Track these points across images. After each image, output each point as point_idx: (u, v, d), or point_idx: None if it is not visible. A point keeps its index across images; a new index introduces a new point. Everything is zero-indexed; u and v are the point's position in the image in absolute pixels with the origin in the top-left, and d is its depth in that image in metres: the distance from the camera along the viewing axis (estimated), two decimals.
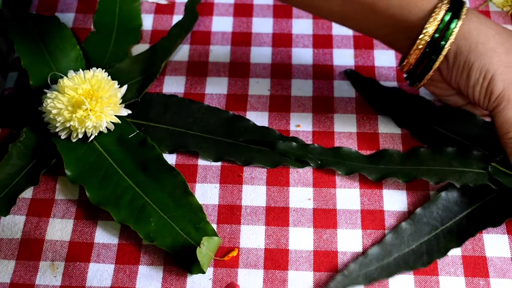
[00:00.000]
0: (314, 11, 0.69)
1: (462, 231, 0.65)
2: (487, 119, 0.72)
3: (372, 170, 0.69)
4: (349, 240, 0.67)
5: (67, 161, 0.69)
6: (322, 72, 0.79)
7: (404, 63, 0.67)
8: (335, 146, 0.73)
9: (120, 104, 0.72)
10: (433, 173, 0.68)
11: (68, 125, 0.69)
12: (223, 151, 0.72)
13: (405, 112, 0.74)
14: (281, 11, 0.84)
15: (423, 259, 0.64)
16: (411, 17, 0.64)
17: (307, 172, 0.71)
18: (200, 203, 0.68)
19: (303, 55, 0.80)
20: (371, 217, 0.68)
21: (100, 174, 0.68)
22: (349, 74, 0.78)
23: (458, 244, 0.65)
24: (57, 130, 0.70)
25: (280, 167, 0.71)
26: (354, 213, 0.68)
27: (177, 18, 0.84)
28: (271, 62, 0.80)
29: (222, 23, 0.84)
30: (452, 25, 0.63)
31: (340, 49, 0.81)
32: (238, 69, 0.79)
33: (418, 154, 0.69)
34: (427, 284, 0.64)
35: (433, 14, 0.63)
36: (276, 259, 0.66)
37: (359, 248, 0.66)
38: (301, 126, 0.74)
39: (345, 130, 0.74)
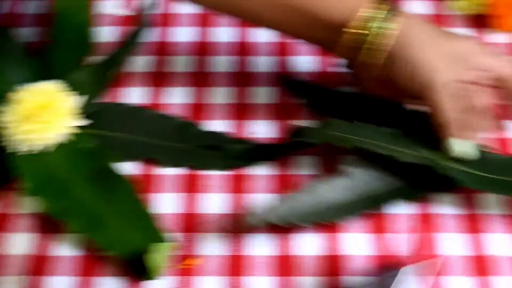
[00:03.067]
0: (244, 18, 0.72)
1: (386, 197, 0.68)
2: None
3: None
4: (310, 244, 0.67)
5: (23, 174, 0.69)
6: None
7: (347, 60, 0.70)
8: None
9: (75, 115, 0.72)
10: (376, 145, 0.68)
11: (23, 138, 0.69)
12: (178, 157, 0.72)
13: (343, 109, 0.75)
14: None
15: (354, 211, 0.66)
16: (337, 16, 0.67)
17: (267, 178, 0.71)
18: (160, 212, 0.68)
19: (264, 62, 0.81)
20: None
21: (56, 186, 0.69)
22: (282, 79, 0.79)
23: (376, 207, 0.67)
24: (12, 143, 0.70)
25: (240, 173, 0.72)
26: None
27: None
28: (232, 71, 0.80)
29: (183, 33, 0.84)
30: (377, 19, 0.66)
31: (302, 56, 0.81)
32: (199, 78, 0.80)
33: (363, 127, 0.69)
34: None
35: (359, 12, 0.66)
36: (238, 266, 0.66)
37: (318, 252, 0.66)
38: (260, 133, 0.75)
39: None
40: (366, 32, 0.66)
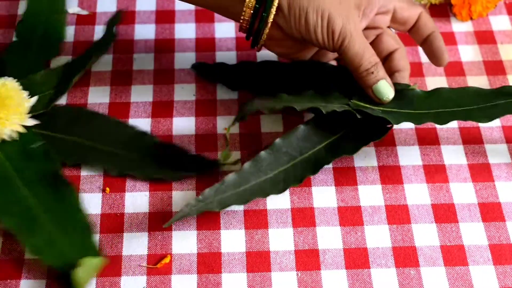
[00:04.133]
0: None
1: (319, 160, 0.68)
2: (333, 63, 0.75)
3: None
4: (281, 239, 0.67)
5: None
6: None
7: (241, 21, 0.68)
8: (263, 146, 0.73)
9: (28, 113, 0.71)
10: (297, 103, 0.68)
11: None
12: (126, 166, 0.72)
13: (259, 80, 0.76)
14: (203, 16, 0.84)
15: (279, 187, 0.66)
16: None
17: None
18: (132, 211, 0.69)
19: (226, 58, 0.80)
20: (301, 215, 0.68)
21: None
22: (197, 67, 0.79)
23: (314, 172, 0.67)
24: None
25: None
26: (285, 212, 0.69)
27: (98, 28, 0.83)
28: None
29: (144, 31, 0.83)
30: None
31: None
32: (163, 75, 0.79)
33: (280, 97, 0.70)
34: (359, 278, 0.64)
35: None
36: (209, 263, 0.66)
37: (291, 247, 0.66)
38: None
39: (272, 131, 0.74)
40: None
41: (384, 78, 0.68)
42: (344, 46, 0.67)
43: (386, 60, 0.72)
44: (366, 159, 0.72)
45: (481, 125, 0.74)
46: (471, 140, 0.73)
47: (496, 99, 0.68)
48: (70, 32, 0.83)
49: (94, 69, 0.79)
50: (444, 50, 0.72)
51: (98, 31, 0.83)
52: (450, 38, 0.83)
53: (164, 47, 0.82)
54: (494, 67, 0.80)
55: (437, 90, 0.70)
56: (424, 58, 0.80)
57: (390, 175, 0.71)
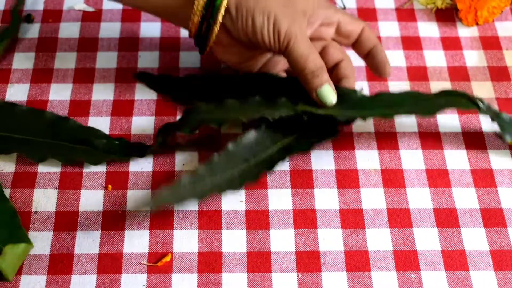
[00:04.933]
0: None
1: (274, 159, 0.69)
2: (283, 74, 0.75)
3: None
4: (282, 240, 0.67)
5: None
6: None
7: (190, 26, 0.69)
8: None
9: None
10: (243, 114, 0.69)
11: None
12: (46, 152, 0.71)
13: (204, 94, 0.76)
14: None
15: (235, 183, 0.66)
16: None
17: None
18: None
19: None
20: (303, 216, 0.68)
21: None
22: (141, 76, 0.79)
23: (270, 168, 0.68)
24: None
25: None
26: (287, 213, 0.69)
27: (104, 25, 0.83)
28: (199, 66, 0.80)
29: (150, 29, 0.83)
30: None
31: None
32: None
33: (225, 104, 0.70)
34: (360, 280, 0.64)
35: None
36: (210, 262, 0.66)
37: (292, 248, 0.66)
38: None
39: None
40: None
41: (328, 82, 0.68)
42: (289, 47, 0.67)
43: (333, 70, 0.72)
44: (368, 162, 0.72)
45: (484, 130, 0.74)
46: (474, 145, 0.73)
47: (439, 98, 0.69)
48: (75, 29, 0.83)
49: (99, 66, 0.80)
50: (386, 62, 0.72)
51: (104, 28, 0.83)
52: (455, 43, 0.83)
53: (169, 45, 0.82)
54: (499, 73, 0.80)
55: (380, 94, 0.71)
56: (429, 63, 0.80)
57: (393, 178, 0.71)
